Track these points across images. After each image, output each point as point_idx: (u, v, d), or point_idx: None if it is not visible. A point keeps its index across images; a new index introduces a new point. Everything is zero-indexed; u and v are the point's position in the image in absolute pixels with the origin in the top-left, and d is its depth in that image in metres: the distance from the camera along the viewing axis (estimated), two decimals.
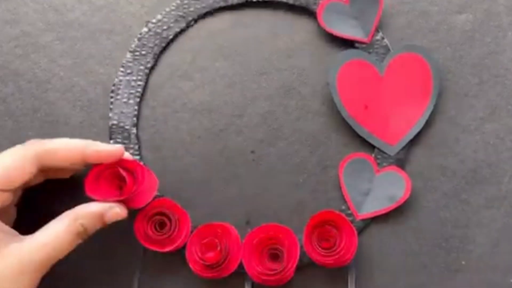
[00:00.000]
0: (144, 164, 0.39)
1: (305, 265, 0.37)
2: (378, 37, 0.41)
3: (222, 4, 0.41)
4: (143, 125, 0.40)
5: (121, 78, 0.40)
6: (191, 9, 0.41)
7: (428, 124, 0.39)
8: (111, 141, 0.39)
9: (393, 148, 0.39)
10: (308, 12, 0.41)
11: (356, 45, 0.41)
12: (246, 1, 0.41)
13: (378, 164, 0.39)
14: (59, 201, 0.36)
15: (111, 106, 0.40)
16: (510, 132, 0.40)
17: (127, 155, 0.36)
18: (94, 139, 0.36)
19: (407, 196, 0.38)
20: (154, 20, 0.41)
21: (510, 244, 0.38)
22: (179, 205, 0.37)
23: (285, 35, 0.41)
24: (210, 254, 0.35)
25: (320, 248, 0.36)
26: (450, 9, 0.42)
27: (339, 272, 0.37)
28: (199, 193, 0.39)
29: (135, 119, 0.39)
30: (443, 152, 0.39)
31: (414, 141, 0.39)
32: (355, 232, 0.36)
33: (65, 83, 0.40)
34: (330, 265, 0.36)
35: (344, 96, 0.39)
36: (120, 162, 0.35)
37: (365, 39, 0.40)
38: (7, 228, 0.33)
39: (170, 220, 0.36)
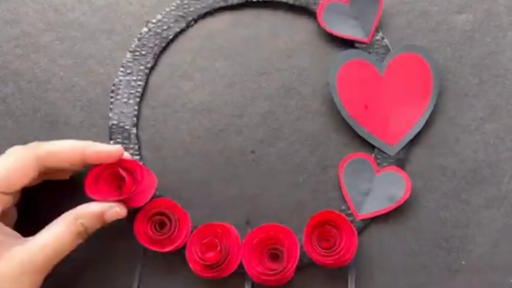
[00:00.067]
0: (144, 164, 0.39)
1: (305, 265, 0.37)
2: (378, 37, 0.41)
3: (222, 4, 0.41)
4: (143, 125, 0.40)
5: (121, 78, 0.40)
6: (191, 9, 0.41)
7: (428, 124, 0.39)
8: (111, 141, 0.39)
9: (393, 148, 0.39)
10: (308, 12, 0.41)
11: (356, 45, 0.41)
12: (246, 1, 0.41)
13: (378, 164, 0.39)
14: (59, 202, 0.36)
15: (111, 106, 0.40)
16: (510, 132, 0.40)
17: (126, 155, 0.36)
18: (94, 139, 0.36)
19: (407, 196, 0.38)
20: (154, 20, 0.41)
21: (510, 244, 0.38)
22: (179, 205, 0.37)
23: (285, 35, 0.41)
24: (210, 254, 0.35)
25: (320, 248, 0.36)
26: (450, 9, 0.42)
27: (339, 272, 0.37)
28: (199, 193, 0.39)
29: (135, 119, 0.39)
30: (443, 152, 0.39)
31: (414, 141, 0.39)
32: (355, 232, 0.36)
33: (65, 83, 0.40)
34: (330, 265, 0.36)
35: (344, 96, 0.39)
36: (120, 162, 0.35)
37: (365, 39, 0.40)
38: (9, 230, 0.33)
39: (170, 220, 0.36)
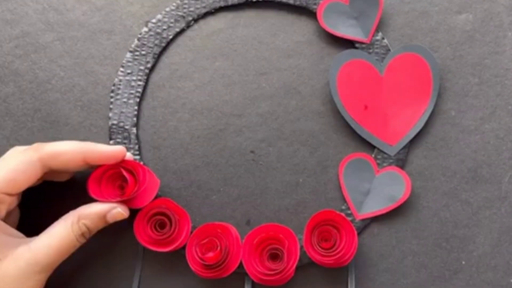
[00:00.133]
0: (144, 164, 0.39)
1: (305, 265, 0.37)
2: (378, 37, 0.41)
3: (222, 4, 0.41)
4: (143, 125, 0.40)
5: (121, 78, 0.40)
6: (191, 9, 0.41)
7: (428, 124, 0.39)
8: (111, 141, 0.39)
9: (393, 148, 0.39)
10: (308, 12, 0.41)
11: (356, 45, 0.40)
12: (246, 1, 0.41)
13: (378, 164, 0.39)
14: (62, 202, 0.36)
15: (111, 106, 0.40)
16: (510, 132, 0.40)
17: (128, 156, 0.36)
18: (94, 139, 0.36)
19: (407, 196, 0.38)
20: (154, 20, 0.41)
21: (510, 244, 0.38)
22: (179, 205, 0.37)
23: (285, 35, 0.41)
24: (210, 254, 0.35)
25: (320, 248, 0.36)
26: (450, 9, 0.42)
27: (339, 272, 0.37)
28: (199, 193, 0.39)
29: (135, 119, 0.39)
30: (443, 152, 0.39)
31: (414, 141, 0.39)
32: (355, 232, 0.36)
33: (65, 83, 0.40)
34: (330, 265, 0.36)
35: (344, 96, 0.39)
36: (122, 163, 0.35)
37: (365, 39, 0.40)
38: (14, 231, 0.33)
39: (170, 220, 0.36)
